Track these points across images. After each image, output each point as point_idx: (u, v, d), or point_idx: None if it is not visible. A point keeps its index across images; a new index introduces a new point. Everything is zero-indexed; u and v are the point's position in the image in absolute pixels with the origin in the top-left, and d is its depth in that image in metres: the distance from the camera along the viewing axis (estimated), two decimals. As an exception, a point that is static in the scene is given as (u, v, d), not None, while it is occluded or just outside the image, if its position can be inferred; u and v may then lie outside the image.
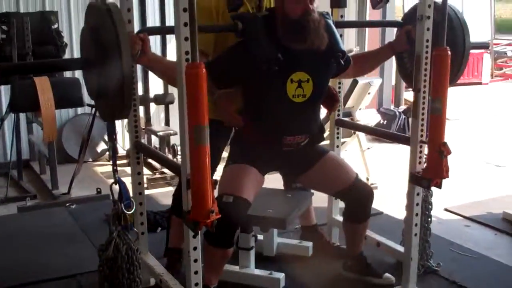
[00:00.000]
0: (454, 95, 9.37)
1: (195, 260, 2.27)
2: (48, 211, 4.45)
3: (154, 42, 6.27)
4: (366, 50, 6.99)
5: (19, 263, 3.40)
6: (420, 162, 2.76)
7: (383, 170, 5.44)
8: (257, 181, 2.79)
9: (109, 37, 2.10)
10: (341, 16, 3.25)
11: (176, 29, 2.09)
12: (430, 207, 3.16)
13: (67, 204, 4.49)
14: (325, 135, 3.19)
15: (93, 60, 2.20)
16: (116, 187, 2.43)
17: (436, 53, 2.57)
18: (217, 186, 2.28)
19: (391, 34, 2.92)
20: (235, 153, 2.89)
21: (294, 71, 2.67)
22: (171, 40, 5.44)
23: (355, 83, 5.02)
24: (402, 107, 7.49)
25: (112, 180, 2.44)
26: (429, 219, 3.18)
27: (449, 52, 2.56)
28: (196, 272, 2.27)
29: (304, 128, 2.82)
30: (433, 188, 2.81)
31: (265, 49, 2.59)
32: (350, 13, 7.11)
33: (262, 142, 2.79)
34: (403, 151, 2.84)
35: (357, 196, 2.90)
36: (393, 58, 3.15)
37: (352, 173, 2.95)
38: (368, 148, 5.27)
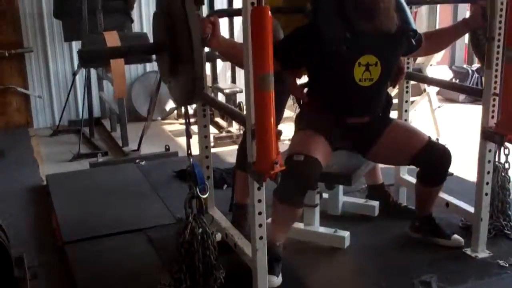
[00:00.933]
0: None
1: (260, 213, 2.24)
2: (119, 167, 4.54)
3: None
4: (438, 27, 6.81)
5: (90, 217, 3.47)
6: (493, 117, 2.64)
7: (454, 130, 5.28)
8: (326, 150, 2.73)
9: (179, 21, 2.14)
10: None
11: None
12: (507, 165, 3.02)
13: (137, 161, 4.58)
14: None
15: (165, 45, 2.24)
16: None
17: (513, 0, 2.43)
18: (280, 136, 2.24)
19: (463, 14, 2.82)
20: (303, 122, 2.83)
21: (363, 54, 2.60)
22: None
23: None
24: (476, 65, 7.22)
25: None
26: (507, 178, 3.04)
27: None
28: (260, 225, 2.25)
29: (368, 110, 2.78)
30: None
31: (335, 29, 2.54)
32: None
33: (326, 120, 2.74)
34: (476, 111, 2.72)
35: (433, 159, 2.78)
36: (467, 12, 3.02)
37: (423, 136, 2.84)
38: (439, 107, 5.13)
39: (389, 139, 2.82)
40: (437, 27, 7.07)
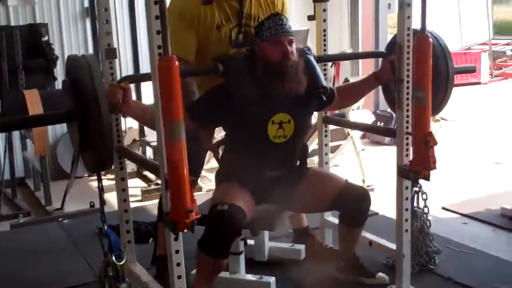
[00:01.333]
0: (452, 96, 9.34)
1: (178, 264, 2.21)
2: (40, 227, 4.40)
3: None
4: (360, 75, 7.06)
5: (8, 279, 3.35)
6: (407, 155, 2.71)
7: (378, 172, 5.37)
8: (249, 201, 2.73)
9: (86, 90, 2.17)
10: (324, 10, 3.21)
11: (148, 23, 2.05)
12: (426, 209, 3.11)
13: (60, 219, 4.45)
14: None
15: (75, 113, 2.24)
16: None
17: (418, 40, 2.52)
18: (196, 185, 2.22)
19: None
20: (226, 171, 2.87)
21: (276, 112, 2.68)
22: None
23: (346, 82, 4.97)
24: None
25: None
26: (425, 215, 3.12)
27: (431, 40, 2.52)
28: (179, 277, 2.21)
29: (283, 164, 2.84)
30: (430, 187, 2.79)
31: (246, 89, 2.61)
32: (343, 14, 7.13)
33: (245, 172, 2.78)
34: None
35: (351, 200, 2.82)
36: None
37: (340, 179, 2.89)
38: (363, 149, 5.21)
39: (306, 188, 2.85)
40: (360, 73, 7.31)
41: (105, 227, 2.44)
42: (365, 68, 7.33)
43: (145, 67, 6.14)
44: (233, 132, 2.80)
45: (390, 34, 7.74)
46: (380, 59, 4.09)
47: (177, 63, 1.98)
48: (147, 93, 2.71)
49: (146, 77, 2.51)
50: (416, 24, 2.60)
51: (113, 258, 2.39)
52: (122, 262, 2.41)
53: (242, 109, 2.61)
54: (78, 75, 2.22)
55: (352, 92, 3.10)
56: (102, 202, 2.49)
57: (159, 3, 2.01)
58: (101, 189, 2.49)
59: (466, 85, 10.75)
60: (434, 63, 2.58)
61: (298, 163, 2.92)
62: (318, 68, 2.83)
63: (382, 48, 7.17)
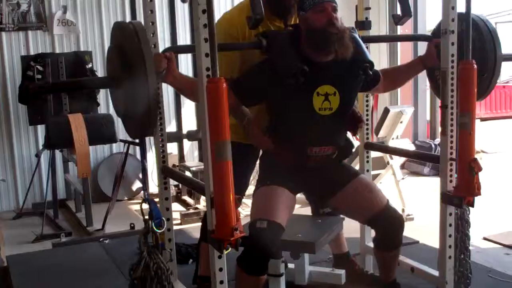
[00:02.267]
0: (491, 129, 9.29)
1: (221, 282, 2.21)
2: (82, 246, 4.48)
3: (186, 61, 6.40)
4: (399, 103, 7.06)
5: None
6: (451, 181, 2.70)
7: (418, 201, 5.34)
8: (289, 202, 2.74)
9: (134, 55, 2.14)
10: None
11: (197, 45, 2.10)
12: (467, 225, 3.05)
13: (101, 239, 4.52)
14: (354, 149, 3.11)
15: (119, 79, 2.23)
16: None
17: (461, 67, 2.53)
18: (240, 204, 2.25)
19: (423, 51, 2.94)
20: (264, 174, 2.85)
21: (320, 85, 2.64)
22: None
23: (386, 111, 4.99)
24: (438, 140, 7.38)
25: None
26: (467, 241, 3.07)
27: (475, 66, 2.52)
28: (222, 294, 2.23)
29: (330, 139, 2.78)
30: (471, 217, 2.78)
31: (291, 62, 2.58)
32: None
33: (288, 157, 2.75)
34: (438, 183, 2.78)
35: (388, 223, 2.80)
36: (427, 89, 3.12)
37: (383, 198, 2.87)
38: (403, 179, 5.18)
39: (351, 192, 2.83)
40: (399, 102, 7.31)
41: (146, 194, 2.43)
42: (404, 97, 7.34)
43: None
44: (277, 107, 2.74)
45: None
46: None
47: (224, 84, 2.03)
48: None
49: (188, 48, 2.52)
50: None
51: (153, 225, 2.37)
52: (162, 230, 2.39)
53: (285, 83, 2.57)
54: (125, 40, 2.22)
55: (398, 75, 3.07)
56: (145, 169, 2.49)
57: (208, 27, 2.07)
58: (143, 156, 2.49)
59: (505, 118, 10.69)
60: (481, 48, 2.54)
61: (342, 153, 2.88)
62: (363, 44, 2.79)
63: (421, 82, 7.25)
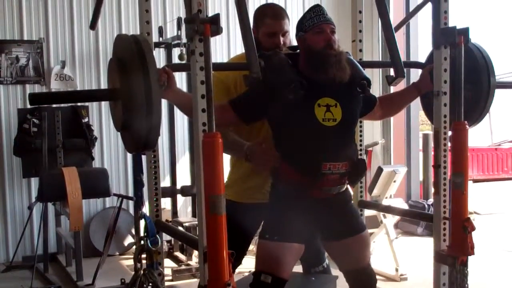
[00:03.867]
0: (484, 190, 9.32)
1: None
2: (71, 301, 4.40)
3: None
4: (392, 163, 7.14)
5: None
6: (444, 240, 2.70)
7: (411, 261, 5.31)
8: (296, 255, 2.69)
9: (136, 65, 2.15)
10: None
11: (194, 101, 2.14)
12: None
13: (90, 295, 4.45)
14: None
15: (120, 91, 2.24)
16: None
17: (454, 128, 2.57)
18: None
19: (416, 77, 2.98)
20: (272, 227, 2.70)
21: (321, 97, 2.62)
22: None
23: (380, 170, 5.02)
24: (431, 200, 7.40)
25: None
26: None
27: (467, 127, 2.56)
28: None
29: (342, 153, 2.66)
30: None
31: (289, 77, 2.57)
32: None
33: (299, 180, 2.63)
34: (431, 243, 2.78)
35: (364, 282, 2.81)
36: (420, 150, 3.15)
37: (369, 256, 2.88)
38: (396, 238, 5.17)
39: (351, 245, 2.78)
40: (392, 162, 7.37)
41: (142, 211, 2.40)
42: (397, 157, 7.40)
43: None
44: (281, 124, 2.69)
45: (420, 131, 7.88)
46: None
47: (220, 139, 2.06)
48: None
49: (187, 67, 2.52)
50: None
51: (148, 243, 2.35)
52: (157, 248, 2.36)
53: (286, 99, 2.55)
54: (127, 52, 2.22)
55: (393, 102, 3.08)
56: (141, 182, 2.44)
57: (205, 83, 2.11)
58: (140, 171, 2.45)
59: (498, 180, 10.74)
60: (476, 75, 2.57)
61: (355, 173, 2.75)
62: (358, 64, 2.79)
63: (414, 143, 7.35)
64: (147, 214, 2.88)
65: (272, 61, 2.63)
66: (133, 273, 3.78)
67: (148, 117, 2.12)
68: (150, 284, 2.32)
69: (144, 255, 2.46)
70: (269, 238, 2.64)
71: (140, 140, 2.23)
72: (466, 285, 2.96)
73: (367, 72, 2.80)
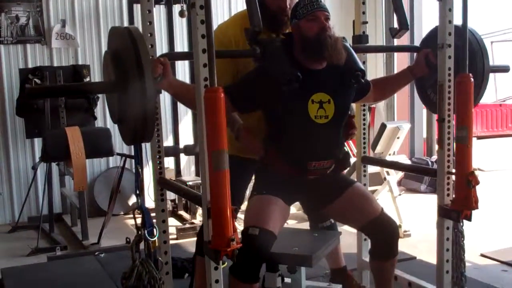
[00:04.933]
0: (488, 147, 9.31)
1: (217, 293, 2.20)
2: (77, 260, 4.45)
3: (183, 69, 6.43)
4: (396, 120, 7.10)
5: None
6: (448, 194, 2.69)
7: (415, 217, 5.33)
8: (283, 212, 2.73)
9: (131, 59, 2.13)
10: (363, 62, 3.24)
11: (195, 55, 2.11)
12: (462, 239, 3.03)
13: (96, 253, 4.49)
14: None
15: (116, 84, 2.22)
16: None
17: (459, 80, 2.54)
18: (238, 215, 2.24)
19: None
20: (259, 184, 2.84)
21: (315, 92, 2.66)
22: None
23: (383, 127, 4.99)
24: (435, 157, 7.39)
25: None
26: (463, 253, 3.05)
27: (472, 79, 2.53)
28: (218, 306, 2.21)
29: (328, 152, 2.78)
30: (468, 234, 2.73)
31: (285, 68, 2.59)
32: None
33: (286, 171, 2.75)
34: (435, 199, 2.78)
35: (382, 230, 2.78)
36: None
37: (378, 206, 2.86)
38: (400, 195, 5.17)
39: (346, 202, 2.82)
40: (396, 119, 7.34)
41: (139, 202, 2.39)
42: (400, 114, 7.36)
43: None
44: (273, 116, 2.75)
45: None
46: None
47: (222, 94, 2.03)
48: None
49: (184, 56, 2.51)
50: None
51: (146, 233, 2.35)
52: (154, 239, 2.37)
53: (281, 90, 2.58)
54: (122, 45, 2.21)
55: (387, 85, 3.09)
56: (138, 173, 2.45)
57: (206, 37, 2.08)
58: (137, 162, 2.43)
59: (502, 136, 10.72)
60: (470, 59, 2.56)
61: (340, 163, 2.86)
62: (354, 53, 2.80)
63: (417, 99, 7.31)
64: (151, 174, 2.88)
65: (268, 48, 2.65)
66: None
67: (143, 110, 2.13)
68: (147, 274, 2.33)
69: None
70: (256, 194, 2.74)
71: (136, 132, 2.24)
72: (462, 242, 3.00)
73: (371, 56, 2.76)
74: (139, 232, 2.37)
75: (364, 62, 3.17)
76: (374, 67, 7.07)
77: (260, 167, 2.87)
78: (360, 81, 2.73)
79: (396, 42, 6.56)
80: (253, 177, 2.98)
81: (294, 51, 2.69)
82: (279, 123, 2.74)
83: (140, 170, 2.42)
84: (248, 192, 3.30)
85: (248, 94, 2.68)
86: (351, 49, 2.79)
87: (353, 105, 3.12)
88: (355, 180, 2.99)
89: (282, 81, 2.56)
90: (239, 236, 2.14)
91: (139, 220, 2.42)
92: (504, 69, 3.25)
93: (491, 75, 3.00)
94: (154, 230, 2.38)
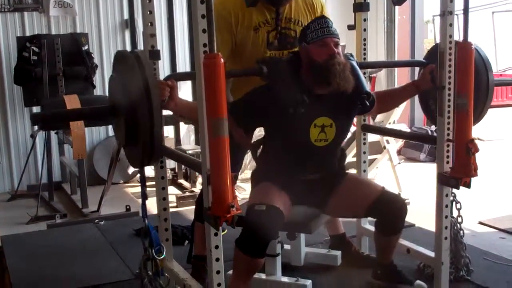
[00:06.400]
0: (488, 117, 9.25)
1: (217, 259, 2.20)
2: (77, 227, 4.47)
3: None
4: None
5: (45, 276, 3.41)
6: (448, 162, 2.69)
7: (414, 186, 5.35)
8: (286, 202, 2.75)
9: (138, 85, 2.19)
10: (364, 20, 3.23)
11: (194, 21, 2.08)
12: (458, 206, 3.09)
13: (96, 221, 4.52)
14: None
15: (122, 108, 2.26)
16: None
17: (459, 47, 2.52)
18: (235, 182, 2.23)
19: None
20: (260, 175, 2.87)
21: (318, 116, 2.70)
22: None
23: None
24: (434, 127, 7.38)
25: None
26: (459, 224, 3.09)
27: (473, 47, 2.51)
28: (218, 272, 2.21)
29: (323, 167, 2.85)
30: (467, 202, 2.76)
31: (292, 92, 2.62)
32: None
33: (282, 174, 2.79)
34: (434, 168, 2.78)
35: (387, 208, 2.80)
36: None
37: (377, 187, 2.89)
38: (399, 163, 5.18)
39: (343, 193, 2.86)
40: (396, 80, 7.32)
41: (146, 222, 2.46)
42: (401, 81, 7.33)
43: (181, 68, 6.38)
44: (274, 133, 2.81)
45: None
46: (416, 73, 4.15)
47: (222, 60, 2.01)
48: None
49: (191, 76, 2.54)
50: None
51: (153, 252, 2.42)
52: (162, 257, 2.44)
53: (284, 112, 2.62)
54: (129, 71, 2.24)
55: (391, 99, 3.13)
56: (145, 197, 2.51)
57: (205, 2, 2.05)
58: (143, 184, 2.51)
59: (503, 106, 10.69)
60: (475, 75, 2.57)
61: (336, 166, 2.92)
62: (361, 74, 2.84)
63: (418, 69, 7.29)
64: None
65: (275, 69, 2.67)
66: (137, 200, 3.84)
67: (150, 135, 2.21)
68: None
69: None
70: (262, 182, 2.80)
71: (143, 156, 2.31)
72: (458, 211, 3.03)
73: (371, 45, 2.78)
74: (147, 252, 2.44)
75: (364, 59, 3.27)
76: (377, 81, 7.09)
77: (261, 157, 2.93)
78: (365, 104, 2.79)
79: (397, 12, 6.58)
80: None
81: (301, 72, 2.69)
82: (280, 142, 2.77)
83: (145, 191, 2.49)
84: (247, 161, 3.32)
85: (251, 112, 2.71)
86: (357, 68, 2.81)
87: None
88: (347, 171, 3.02)
89: (289, 105, 2.60)
90: (239, 204, 2.15)
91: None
92: (509, 83, 3.29)
93: (491, 47, 3.01)
94: (161, 248, 2.47)
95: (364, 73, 3.29)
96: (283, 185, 2.75)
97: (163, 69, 6.17)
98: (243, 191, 5.21)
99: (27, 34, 5.69)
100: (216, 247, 2.21)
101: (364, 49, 3.29)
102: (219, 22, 2.82)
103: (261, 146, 2.93)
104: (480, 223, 4.31)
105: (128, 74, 2.26)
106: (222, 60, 2.01)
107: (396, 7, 6.98)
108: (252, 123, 2.79)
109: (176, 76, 2.77)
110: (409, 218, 4.12)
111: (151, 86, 2.20)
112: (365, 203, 2.82)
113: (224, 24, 2.88)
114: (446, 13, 2.59)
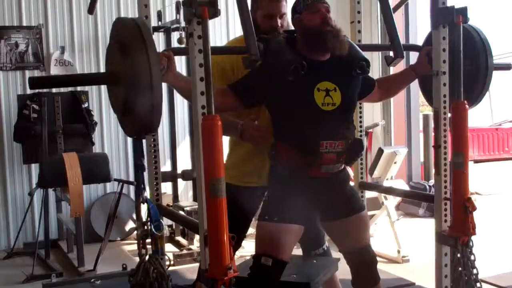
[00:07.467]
0: (485, 171, 9.31)
1: (217, 322, 2.19)
2: (73, 287, 4.41)
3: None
4: (393, 144, 7.13)
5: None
6: (445, 221, 2.69)
7: (413, 242, 5.32)
8: (296, 236, 2.71)
9: (138, 51, 2.13)
10: (358, 12, 3.29)
11: (193, 84, 2.13)
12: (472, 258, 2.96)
13: (92, 280, 4.46)
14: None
15: (120, 75, 2.22)
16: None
17: (454, 107, 2.56)
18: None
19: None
20: (271, 208, 2.72)
21: (320, 81, 2.65)
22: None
23: (380, 152, 5.01)
24: (432, 181, 7.39)
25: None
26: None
27: (467, 106, 2.55)
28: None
29: (338, 133, 2.68)
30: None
31: (289, 58, 2.59)
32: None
33: (299, 160, 2.66)
34: (433, 224, 2.78)
35: (363, 260, 2.81)
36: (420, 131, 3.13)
37: (369, 237, 2.89)
38: (398, 219, 5.17)
39: (350, 227, 2.80)
40: (392, 143, 7.35)
41: (144, 195, 2.36)
42: (397, 138, 7.38)
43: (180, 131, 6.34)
44: (279, 108, 2.71)
45: (421, 112, 7.87)
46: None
47: (220, 122, 2.04)
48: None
49: (186, 51, 2.50)
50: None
51: (152, 228, 2.30)
52: (161, 233, 2.32)
53: (285, 81, 2.57)
54: (129, 37, 2.20)
55: (390, 85, 3.08)
56: (142, 166, 2.40)
57: (204, 66, 2.10)
58: (141, 156, 2.42)
59: (498, 160, 10.75)
60: (474, 57, 2.58)
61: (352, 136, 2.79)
62: (357, 46, 2.82)
63: (414, 124, 7.34)
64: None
65: (271, 44, 2.65)
66: (134, 258, 3.77)
67: (150, 98, 2.11)
68: (155, 270, 2.27)
69: (148, 240, 2.41)
70: (268, 220, 2.67)
71: (142, 123, 2.21)
72: (475, 269, 2.95)
73: (366, 54, 2.77)
74: (145, 227, 2.31)
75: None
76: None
77: (273, 183, 2.78)
78: (365, 70, 2.72)
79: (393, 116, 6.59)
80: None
81: (297, 45, 2.70)
82: (286, 112, 2.69)
83: (142, 161, 2.40)
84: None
85: (253, 86, 2.67)
86: (352, 42, 2.81)
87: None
88: (364, 205, 2.97)
89: (288, 70, 2.55)
90: (237, 265, 2.13)
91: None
92: (507, 67, 3.29)
93: (486, 101, 3.04)
94: (161, 224, 2.33)
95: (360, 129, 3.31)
96: (297, 204, 2.64)
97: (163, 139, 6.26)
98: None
99: (28, 92, 5.75)
100: (215, 309, 2.18)
101: (360, 113, 3.34)
102: (218, 73, 2.83)
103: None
104: (482, 280, 4.25)
105: (127, 41, 2.21)
106: (220, 122, 2.04)
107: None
108: (255, 96, 2.71)
109: (172, 51, 2.69)
110: (409, 276, 4.13)
111: (150, 46, 2.12)
112: (351, 246, 2.82)
113: (218, 69, 2.85)
114: (439, 73, 2.64)
